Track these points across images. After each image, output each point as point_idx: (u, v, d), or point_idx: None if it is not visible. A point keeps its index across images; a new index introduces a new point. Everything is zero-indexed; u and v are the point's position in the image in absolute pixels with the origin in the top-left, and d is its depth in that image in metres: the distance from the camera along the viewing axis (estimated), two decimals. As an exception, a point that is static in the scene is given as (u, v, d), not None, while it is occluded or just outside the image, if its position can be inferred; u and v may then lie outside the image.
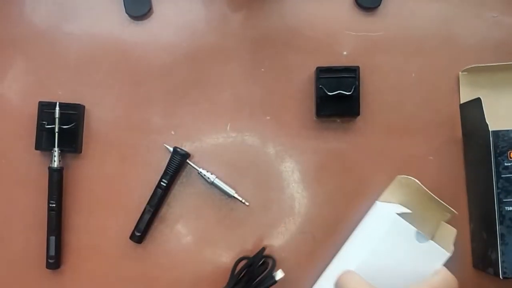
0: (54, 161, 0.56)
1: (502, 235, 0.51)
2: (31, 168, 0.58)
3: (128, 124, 0.58)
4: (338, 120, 0.58)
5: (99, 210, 0.58)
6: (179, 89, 0.59)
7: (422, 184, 0.50)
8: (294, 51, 0.59)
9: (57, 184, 0.56)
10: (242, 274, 0.54)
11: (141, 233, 0.56)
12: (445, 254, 0.48)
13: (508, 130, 0.52)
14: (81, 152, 0.58)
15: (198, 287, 0.57)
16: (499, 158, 0.52)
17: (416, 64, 0.59)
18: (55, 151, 0.56)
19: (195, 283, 0.57)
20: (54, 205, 0.56)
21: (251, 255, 0.56)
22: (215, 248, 0.57)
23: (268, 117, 0.58)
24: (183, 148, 0.57)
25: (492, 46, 0.59)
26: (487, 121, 0.52)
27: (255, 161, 0.58)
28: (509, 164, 0.51)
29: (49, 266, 0.56)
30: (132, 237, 0.57)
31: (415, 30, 0.59)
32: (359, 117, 0.58)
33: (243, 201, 0.57)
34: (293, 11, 0.59)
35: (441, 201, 0.49)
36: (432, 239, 0.48)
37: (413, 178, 0.50)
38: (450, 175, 0.58)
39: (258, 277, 0.54)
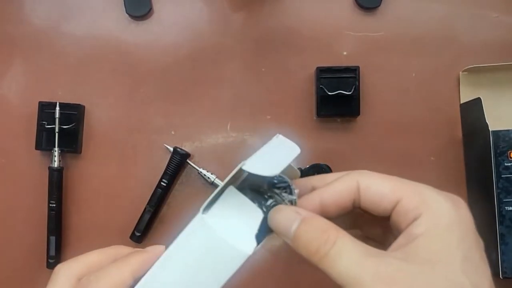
0: (54, 161, 0.56)
1: (502, 235, 0.51)
2: (31, 168, 0.58)
3: (128, 124, 0.58)
4: (339, 120, 0.58)
5: (99, 210, 0.58)
6: (179, 89, 0.59)
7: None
8: (294, 51, 0.59)
9: (57, 184, 0.56)
10: None
11: (141, 233, 0.56)
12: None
13: (508, 130, 0.52)
14: (81, 152, 0.58)
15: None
16: (499, 158, 0.52)
17: (417, 64, 0.59)
18: (55, 151, 0.56)
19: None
20: (54, 205, 0.56)
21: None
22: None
23: (269, 117, 0.58)
24: (183, 148, 0.57)
25: (493, 46, 0.59)
26: (487, 121, 0.52)
27: (255, 161, 0.58)
28: (509, 164, 0.51)
29: (49, 266, 0.56)
30: (132, 237, 0.57)
31: (415, 30, 0.59)
32: (359, 117, 0.58)
33: (243, 201, 0.57)
34: (293, 11, 0.59)
35: None
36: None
37: None
38: (450, 175, 0.58)
39: None
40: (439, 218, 0.26)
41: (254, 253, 0.28)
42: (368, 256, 0.25)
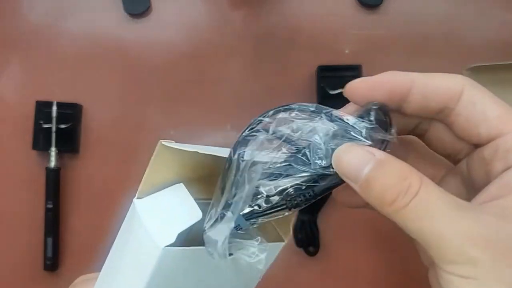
0: (52, 161, 0.55)
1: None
2: (28, 168, 0.57)
3: (127, 124, 0.58)
4: (340, 120, 0.58)
5: (97, 211, 0.57)
6: (179, 88, 0.58)
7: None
8: (295, 50, 0.58)
9: (54, 185, 0.55)
10: None
11: (140, 234, 0.56)
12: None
13: None
14: (78, 152, 0.57)
15: None
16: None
17: (419, 62, 0.58)
18: (52, 151, 0.55)
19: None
20: (51, 206, 0.55)
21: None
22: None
23: (269, 117, 0.58)
24: (182, 148, 0.57)
25: (496, 45, 0.58)
26: (491, 121, 0.51)
27: (256, 161, 0.57)
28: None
29: (46, 267, 0.56)
30: (131, 238, 0.56)
31: (418, 29, 0.58)
32: (361, 117, 0.57)
33: (244, 201, 0.56)
34: (294, 9, 0.59)
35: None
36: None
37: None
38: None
39: None
40: None
41: (171, 251, 0.25)
42: (458, 211, 0.21)
